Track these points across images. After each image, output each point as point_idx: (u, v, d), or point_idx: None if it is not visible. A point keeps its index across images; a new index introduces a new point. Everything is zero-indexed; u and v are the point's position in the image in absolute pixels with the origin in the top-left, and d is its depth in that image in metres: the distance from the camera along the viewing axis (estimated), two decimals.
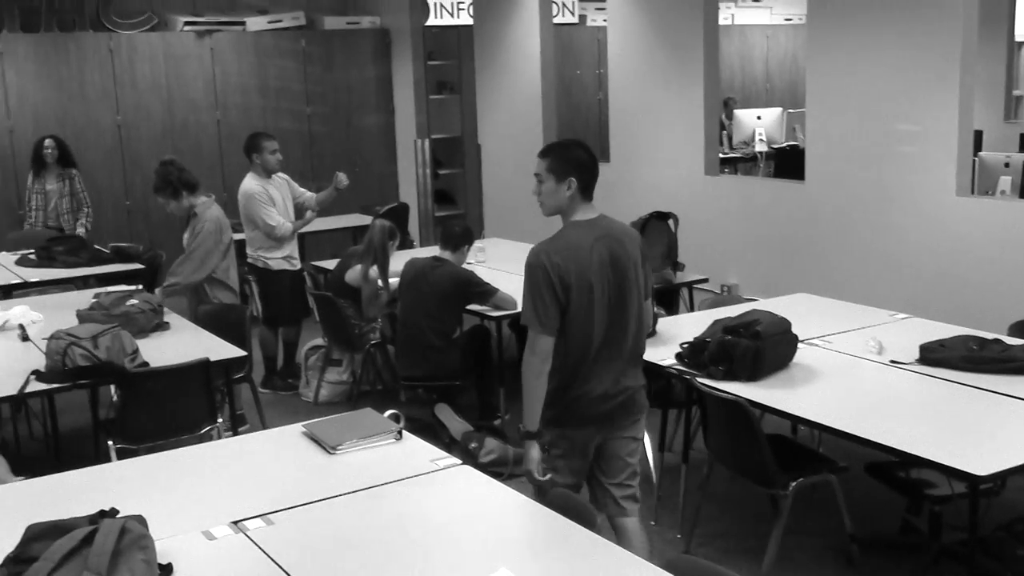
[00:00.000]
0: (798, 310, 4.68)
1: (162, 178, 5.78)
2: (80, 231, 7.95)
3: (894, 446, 3.30)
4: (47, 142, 7.99)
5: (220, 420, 4.67)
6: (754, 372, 3.96)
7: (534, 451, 3.37)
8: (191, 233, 5.78)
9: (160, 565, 2.45)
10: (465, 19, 10.85)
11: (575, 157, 3.38)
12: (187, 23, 9.54)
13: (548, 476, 3.37)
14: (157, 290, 5.82)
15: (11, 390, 4.15)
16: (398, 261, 5.98)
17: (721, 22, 7.86)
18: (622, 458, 3.53)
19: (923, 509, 3.96)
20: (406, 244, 7.86)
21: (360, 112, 10.60)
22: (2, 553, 2.40)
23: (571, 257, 3.31)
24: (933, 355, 4.06)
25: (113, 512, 2.47)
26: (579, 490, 3.50)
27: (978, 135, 7.60)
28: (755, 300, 5.60)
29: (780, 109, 11.27)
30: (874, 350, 4.27)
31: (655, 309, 4.68)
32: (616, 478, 3.54)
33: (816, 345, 4.45)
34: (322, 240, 8.53)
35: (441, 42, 11.09)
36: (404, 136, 10.74)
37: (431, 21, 10.81)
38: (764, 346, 3.96)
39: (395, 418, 3.55)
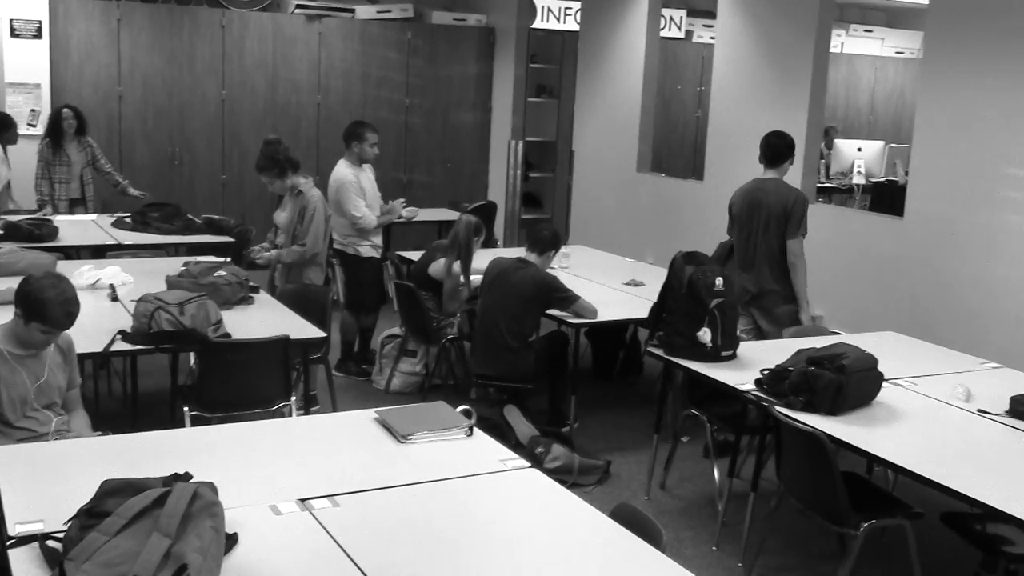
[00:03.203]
0: (885, 348, 4.55)
1: (269, 157, 5.86)
2: (135, 192, 7.85)
3: (974, 497, 3.19)
4: (65, 112, 7.64)
5: (293, 398, 4.72)
6: (835, 406, 3.87)
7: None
8: (293, 212, 5.85)
9: (226, 534, 2.47)
10: (571, 24, 10.84)
11: (763, 138, 5.72)
12: (299, 6, 9.70)
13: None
14: (284, 249, 5.87)
15: (97, 347, 4.26)
16: (481, 259, 5.99)
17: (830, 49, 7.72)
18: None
19: (999, 566, 3.82)
20: (490, 243, 7.87)
21: (458, 108, 10.66)
22: (77, 504, 2.45)
23: (739, 193, 5.78)
24: None
25: (187, 476, 2.50)
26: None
27: None
28: (840, 334, 5.47)
29: (882, 142, 11.02)
30: (961, 397, 4.14)
31: (739, 331, 4.67)
32: None
33: (901, 385, 4.33)
34: (408, 231, 8.59)
35: (545, 45, 11.10)
36: (498, 136, 10.77)
37: (537, 23, 10.82)
38: (848, 381, 3.87)
39: (467, 414, 3.55)
